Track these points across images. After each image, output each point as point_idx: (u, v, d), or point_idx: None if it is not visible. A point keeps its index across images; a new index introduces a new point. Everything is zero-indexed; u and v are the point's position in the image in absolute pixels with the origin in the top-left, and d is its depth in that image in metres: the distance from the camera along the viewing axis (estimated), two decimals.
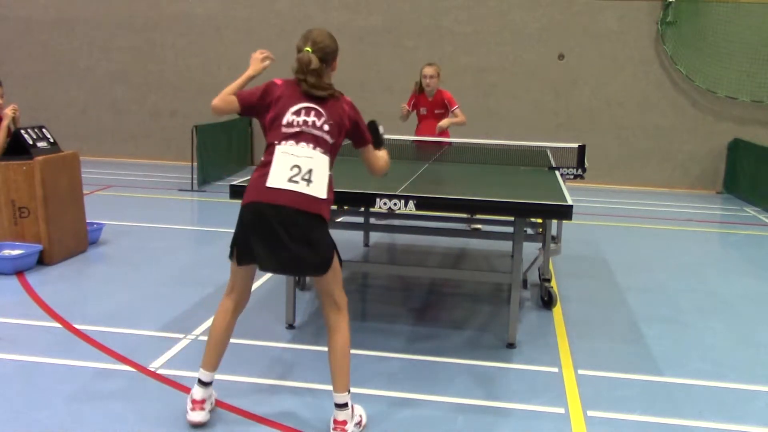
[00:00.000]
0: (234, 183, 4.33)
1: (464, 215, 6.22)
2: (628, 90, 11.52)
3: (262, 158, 3.18)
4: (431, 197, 4.14)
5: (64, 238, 5.92)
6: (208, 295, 5.20)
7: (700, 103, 11.43)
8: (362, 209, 6.23)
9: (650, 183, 11.66)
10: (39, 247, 5.68)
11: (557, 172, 5.56)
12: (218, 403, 3.49)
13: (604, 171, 11.39)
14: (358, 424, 3.28)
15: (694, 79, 11.26)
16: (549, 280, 5.37)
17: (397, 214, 5.89)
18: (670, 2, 11.11)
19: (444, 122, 7.29)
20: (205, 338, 4.34)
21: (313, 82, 3.21)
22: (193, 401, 3.28)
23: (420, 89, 7.46)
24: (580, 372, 4.08)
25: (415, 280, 5.85)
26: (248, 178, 4.70)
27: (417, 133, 7.59)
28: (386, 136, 3.60)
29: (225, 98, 3.28)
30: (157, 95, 12.54)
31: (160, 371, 3.85)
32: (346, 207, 6.11)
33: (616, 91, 11.55)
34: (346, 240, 6.90)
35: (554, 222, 5.81)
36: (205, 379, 3.30)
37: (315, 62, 3.21)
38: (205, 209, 9.00)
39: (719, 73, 11.19)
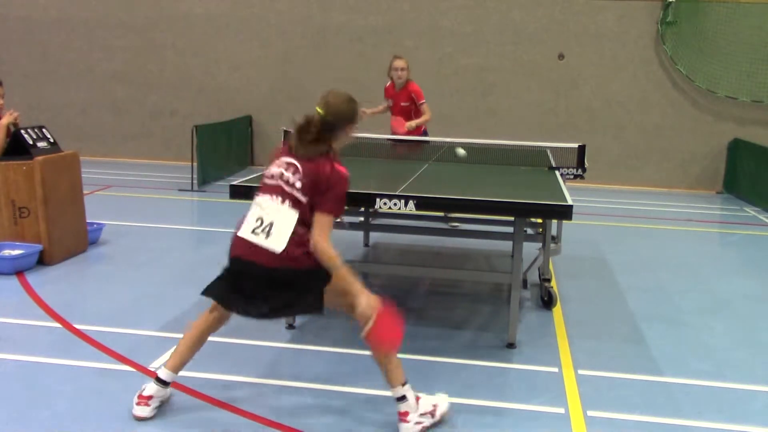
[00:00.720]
0: (234, 183, 4.33)
1: (460, 215, 6.21)
2: (628, 90, 11.52)
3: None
4: (431, 197, 4.14)
5: (64, 238, 5.92)
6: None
7: (700, 103, 11.43)
8: (362, 209, 6.23)
9: (650, 183, 11.66)
10: (39, 247, 5.68)
11: (557, 172, 5.56)
12: (218, 403, 3.50)
13: (604, 171, 11.39)
14: (430, 414, 3.30)
15: (694, 79, 11.26)
16: (549, 280, 5.37)
17: (396, 213, 5.89)
18: (670, 2, 11.11)
19: (411, 123, 7.42)
20: (211, 339, 4.35)
21: (300, 141, 3.26)
22: (140, 396, 3.33)
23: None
24: (580, 372, 4.08)
25: (415, 280, 5.85)
26: (248, 178, 4.72)
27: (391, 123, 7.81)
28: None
29: None
30: (157, 95, 12.54)
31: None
32: (346, 207, 6.12)
33: (616, 91, 11.55)
34: (346, 240, 6.90)
35: (554, 222, 5.81)
36: (165, 377, 3.36)
37: (315, 126, 3.26)
38: (205, 209, 9.00)
39: (719, 73, 11.19)
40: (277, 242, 3.14)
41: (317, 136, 3.25)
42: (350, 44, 12.00)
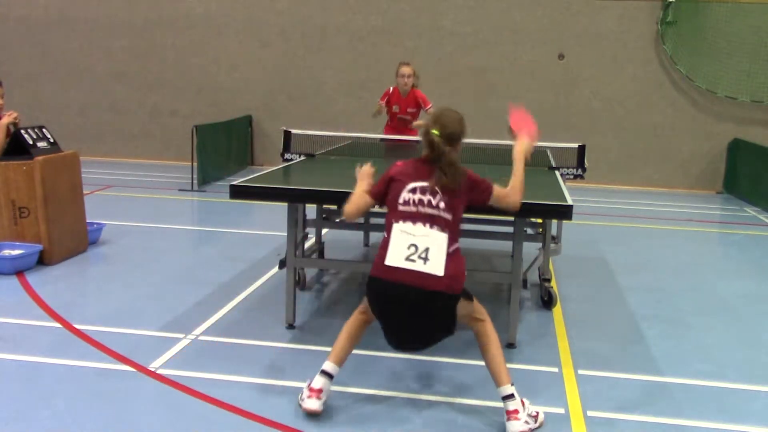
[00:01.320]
0: (234, 183, 4.33)
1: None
2: (628, 90, 11.52)
3: (385, 235, 3.35)
4: None
5: (64, 238, 5.92)
6: (208, 295, 5.20)
7: (700, 103, 11.43)
8: None
9: (650, 183, 11.66)
10: (39, 247, 5.68)
11: (557, 172, 5.56)
12: (219, 403, 3.50)
13: (604, 171, 11.39)
14: (534, 417, 3.37)
15: (694, 79, 11.26)
16: (549, 280, 5.37)
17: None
18: (670, 2, 11.11)
19: (421, 122, 7.42)
20: (206, 338, 4.36)
21: (448, 176, 3.30)
22: (311, 389, 3.37)
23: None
24: (580, 372, 4.08)
25: None
26: (248, 177, 4.72)
27: (386, 131, 7.96)
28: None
29: (354, 200, 3.52)
30: (157, 95, 12.54)
31: (160, 371, 3.85)
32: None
33: (616, 91, 11.55)
34: (346, 240, 6.91)
35: (554, 222, 5.81)
36: (329, 370, 3.41)
37: (438, 150, 3.31)
38: (205, 209, 9.00)
39: (719, 73, 11.19)
40: (437, 266, 3.21)
41: (453, 161, 3.33)
42: (350, 44, 12.01)
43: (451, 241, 3.27)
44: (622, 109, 11.57)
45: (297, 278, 4.78)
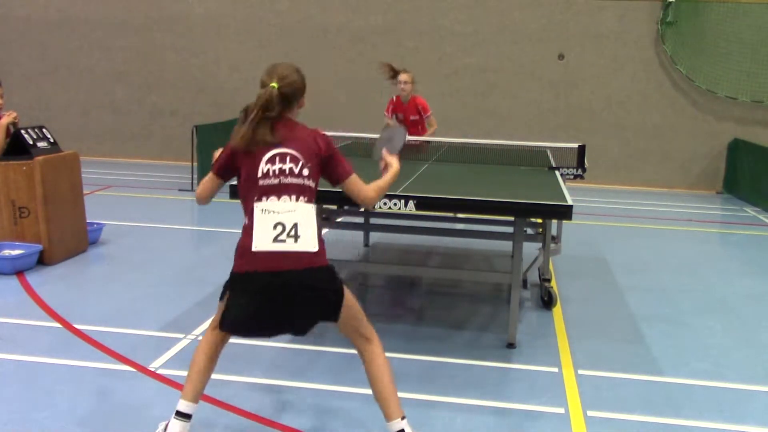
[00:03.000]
0: (234, 183, 4.33)
1: (460, 215, 6.22)
2: (628, 90, 11.52)
3: (245, 221, 2.95)
4: (431, 197, 4.14)
5: (64, 238, 5.92)
6: (208, 295, 5.20)
7: (700, 103, 11.43)
8: (362, 209, 6.22)
9: (650, 183, 11.66)
10: (39, 247, 5.68)
11: (557, 172, 5.56)
12: (219, 403, 3.49)
13: (604, 171, 11.39)
14: None
15: (694, 79, 11.26)
16: (549, 280, 5.37)
17: (397, 213, 5.88)
18: (670, 2, 11.10)
19: (390, 121, 7.76)
20: None
21: (273, 125, 2.94)
22: None
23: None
24: (580, 372, 4.08)
25: (415, 280, 5.85)
26: None
27: None
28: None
29: (203, 184, 3.18)
30: (157, 95, 12.54)
31: (160, 371, 3.85)
32: (346, 207, 6.12)
33: (616, 91, 11.55)
34: (346, 240, 6.91)
35: (554, 222, 5.81)
36: (188, 411, 3.03)
37: (275, 103, 2.93)
38: (205, 209, 8.98)
39: (719, 73, 11.19)
40: (310, 242, 2.88)
41: (281, 111, 2.96)
42: (350, 44, 12.01)
43: (317, 214, 2.99)
44: (622, 109, 11.57)
45: None
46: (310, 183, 2.96)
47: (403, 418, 3.00)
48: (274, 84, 2.95)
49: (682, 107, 11.47)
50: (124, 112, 12.64)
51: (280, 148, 2.94)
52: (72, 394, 3.55)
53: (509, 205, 4.14)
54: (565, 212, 4.06)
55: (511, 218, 4.38)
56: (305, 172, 2.94)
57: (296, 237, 2.87)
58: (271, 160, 2.92)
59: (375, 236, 7.17)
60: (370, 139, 7.77)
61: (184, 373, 3.78)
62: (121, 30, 12.39)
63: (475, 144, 6.98)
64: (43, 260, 5.72)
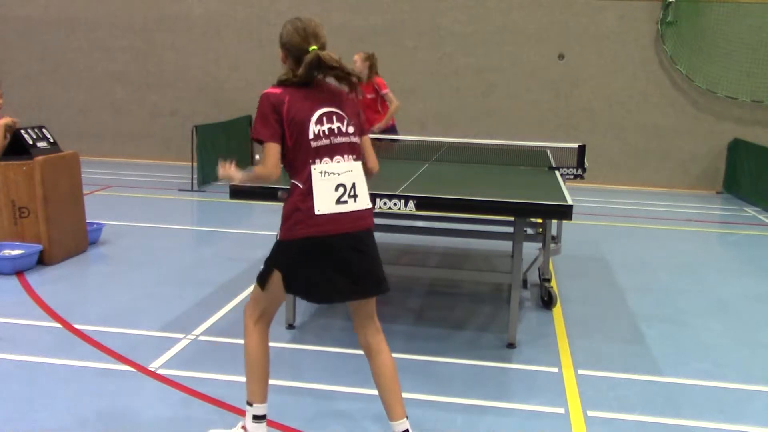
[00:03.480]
0: (234, 183, 4.33)
1: (461, 215, 6.22)
2: (628, 90, 11.52)
3: (298, 184, 2.86)
4: (431, 197, 4.14)
5: (64, 238, 5.92)
6: (208, 295, 5.20)
7: (700, 103, 11.43)
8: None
9: (650, 183, 11.65)
10: (39, 247, 5.68)
11: (557, 172, 5.56)
12: (219, 403, 3.50)
13: (604, 171, 11.39)
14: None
15: (694, 79, 11.26)
16: (549, 280, 5.37)
17: (397, 213, 5.89)
18: (670, 2, 11.10)
19: (375, 128, 7.62)
20: (205, 338, 4.36)
21: (354, 89, 2.95)
22: None
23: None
24: (580, 372, 4.08)
25: (415, 280, 5.85)
26: None
27: None
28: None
29: (268, 161, 2.86)
30: (157, 95, 12.53)
31: (160, 371, 3.86)
32: None
33: (616, 91, 11.55)
34: None
35: (554, 222, 5.81)
36: (262, 412, 3.02)
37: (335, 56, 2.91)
38: (205, 209, 8.99)
39: (719, 73, 11.19)
40: (365, 199, 2.91)
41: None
42: (350, 44, 11.99)
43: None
44: (622, 109, 11.57)
45: None
46: (357, 140, 2.96)
47: (406, 417, 2.98)
48: (314, 47, 2.95)
49: (682, 107, 11.47)
50: (124, 112, 12.64)
51: (324, 107, 2.90)
52: (72, 394, 3.55)
53: (509, 205, 4.14)
54: (565, 212, 4.06)
55: (511, 218, 4.37)
56: (351, 129, 2.93)
57: (355, 197, 2.87)
58: (320, 121, 2.87)
59: (376, 236, 7.16)
60: (371, 139, 7.78)
61: (184, 373, 3.80)
62: (121, 30, 12.39)
63: (475, 144, 6.98)
64: (43, 260, 5.72)
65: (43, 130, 6.08)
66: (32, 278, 5.42)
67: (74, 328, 4.45)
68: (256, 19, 12.05)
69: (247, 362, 3.01)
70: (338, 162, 2.86)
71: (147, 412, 3.40)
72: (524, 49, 11.63)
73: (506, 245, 6.12)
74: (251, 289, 5.34)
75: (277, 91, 2.89)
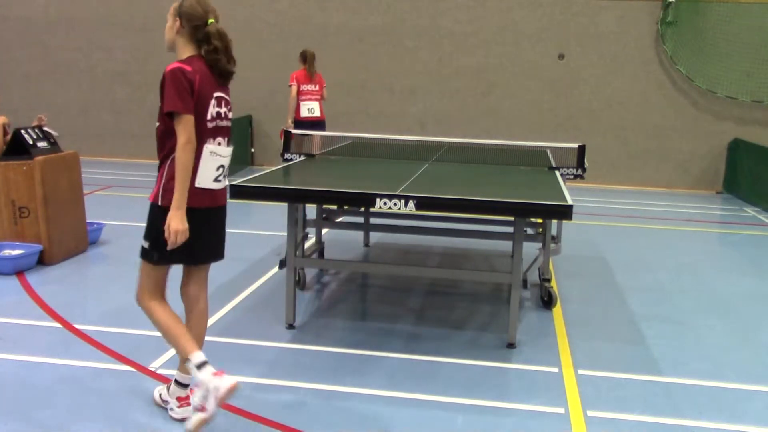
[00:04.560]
0: (234, 183, 4.33)
1: (460, 215, 6.22)
2: (628, 90, 11.53)
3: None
4: (431, 197, 4.14)
5: (64, 238, 5.92)
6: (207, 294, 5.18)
7: (700, 103, 11.43)
8: (362, 209, 6.23)
9: (650, 183, 11.66)
10: (39, 247, 5.68)
11: (557, 172, 5.57)
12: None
13: (604, 171, 11.40)
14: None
15: (694, 79, 11.26)
16: (549, 280, 5.37)
17: (396, 213, 5.89)
18: (670, 2, 11.11)
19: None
20: (206, 338, 4.34)
21: (231, 62, 3.17)
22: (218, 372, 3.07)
23: None
24: (580, 372, 4.08)
25: (415, 280, 5.85)
26: (248, 177, 4.72)
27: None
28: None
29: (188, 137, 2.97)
30: (157, 95, 12.47)
31: (160, 371, 3.86)
32: (346, 207, 6.12)
33: (616, 91, 11.55)
34: (346, 240, 6.91)
35: (554, 222, 5.81)
36: (202, 359, 3.14)
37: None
38: None
39: (719, 73, 11.19)
40: (226, 179, 3.24)
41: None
42: (350, 44, 12.00)
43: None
44: (622, 109, 11.57)
45: (297, 278, 4.78)
46: (230, 125, 3.21)
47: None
48: (212, 20, 3.17)
49: (682, 107, 11.47)
50: (124, 112, 12.64)
51: (218, 90, 3.13)
52: (72, 394, 3.55)
53: (509, 205, 4.14)
54: (565, 212, 4.05)
55: (511, 218, 4.38)
56: (230, 114, 3.20)
57: (225, 176, 3.20)
58: (218, 103, 3.10)
59: (375, 236, 7.16)
60: (371, 139, 7.78)
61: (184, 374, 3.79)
62: (121, 30, 12.39)
63: (475, 144, 6.99)
64: (43, 260, 5.72)
65: (43, 130, 6.08)
66: (32, 278, 5.42)
67: (74, 328, 4.45)
68: (256, 19, 12.05)
69: (164, 331, 3.29)
70: (220, 144, 3.12)
71: (147, 412, 3.40)
72: (524, 49, 11.63)
73: (506, 245, 6.12)
74: (251, 289, 5.37)
75: (188, 67, 3.03)
